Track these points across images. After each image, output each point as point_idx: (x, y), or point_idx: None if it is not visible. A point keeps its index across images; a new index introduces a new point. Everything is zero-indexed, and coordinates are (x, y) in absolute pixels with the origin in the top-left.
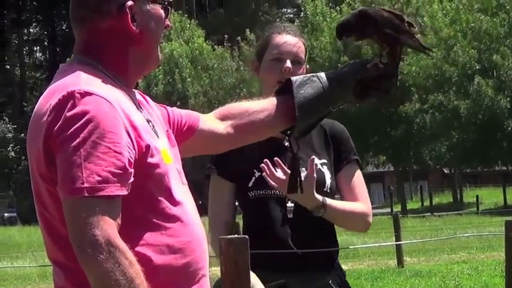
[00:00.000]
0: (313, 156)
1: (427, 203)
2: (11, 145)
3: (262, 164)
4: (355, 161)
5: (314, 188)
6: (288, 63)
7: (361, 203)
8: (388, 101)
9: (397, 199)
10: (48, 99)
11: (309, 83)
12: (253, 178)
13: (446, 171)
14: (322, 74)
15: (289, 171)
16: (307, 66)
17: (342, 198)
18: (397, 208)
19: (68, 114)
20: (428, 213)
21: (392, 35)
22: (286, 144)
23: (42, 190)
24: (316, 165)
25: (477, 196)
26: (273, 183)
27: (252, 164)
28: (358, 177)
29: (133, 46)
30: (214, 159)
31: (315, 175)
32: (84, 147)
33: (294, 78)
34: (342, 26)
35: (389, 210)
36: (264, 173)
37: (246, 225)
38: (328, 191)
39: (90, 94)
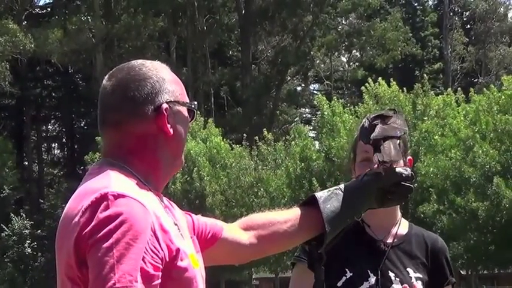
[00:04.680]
0: (405, 285)
1: None
2: (28, 241)
3: None
4: (452, 284)
5: None
6: None
7: None
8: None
9: None
10: (79, 201)
11: (334, 196)
12: (344, 278)
13: (463, 272)
14: (345, 186)
15: None
16: (409, 157)
17: None
18: None
19: (101, 215)
20: None
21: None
22: (383, 247)
23: None
24: (410, 278)
25: None
26: None
27: (342, 261)
28: None
29: (165, 148)
30: (305, 249)
31: None
32: (117, 248)
33: (318, 195)
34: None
35: None
36: None
37: None
38: None
39: (123, 196)
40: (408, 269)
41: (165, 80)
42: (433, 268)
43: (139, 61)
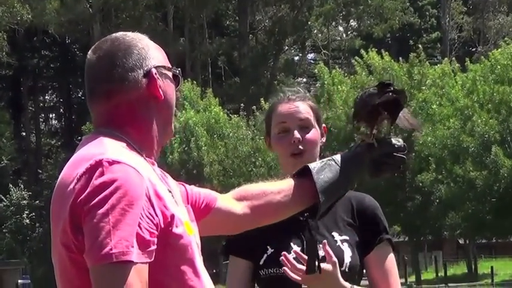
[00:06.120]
0: (325, 240)
1: (441, 273)
2: (26, 212)
3: (282, 258)
4: (387, 241)
5: (338, 274)
6: (296, 134)
7: None
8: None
9: (412, 269)
10: (74, 168)
11: (327, 167)
12: (265, 255)
13: (461, 241)
14: (338, 157)
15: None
16: (324, 125)
17: (372, 285)
18: (412, 279)
19: (96, 182)
20: (443, 284)
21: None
22: (301, 218)
23: (66, 260)
24: (336, 241)
25: (492, 267)
26: (296, 276)
27: (265, 240)
28: (391, 261)
29: (157, 114)
30: (228, 236)
31: (334, 259)
32: (112, 214)
33: (312, 165)
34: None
35: (403, 280)
36: (285, 268)
37: None
38: (347, 270)
39: (118, 162)
40: (333, 233)
41: (149, 47)
42: (361, 227)
43: (121, 32)
